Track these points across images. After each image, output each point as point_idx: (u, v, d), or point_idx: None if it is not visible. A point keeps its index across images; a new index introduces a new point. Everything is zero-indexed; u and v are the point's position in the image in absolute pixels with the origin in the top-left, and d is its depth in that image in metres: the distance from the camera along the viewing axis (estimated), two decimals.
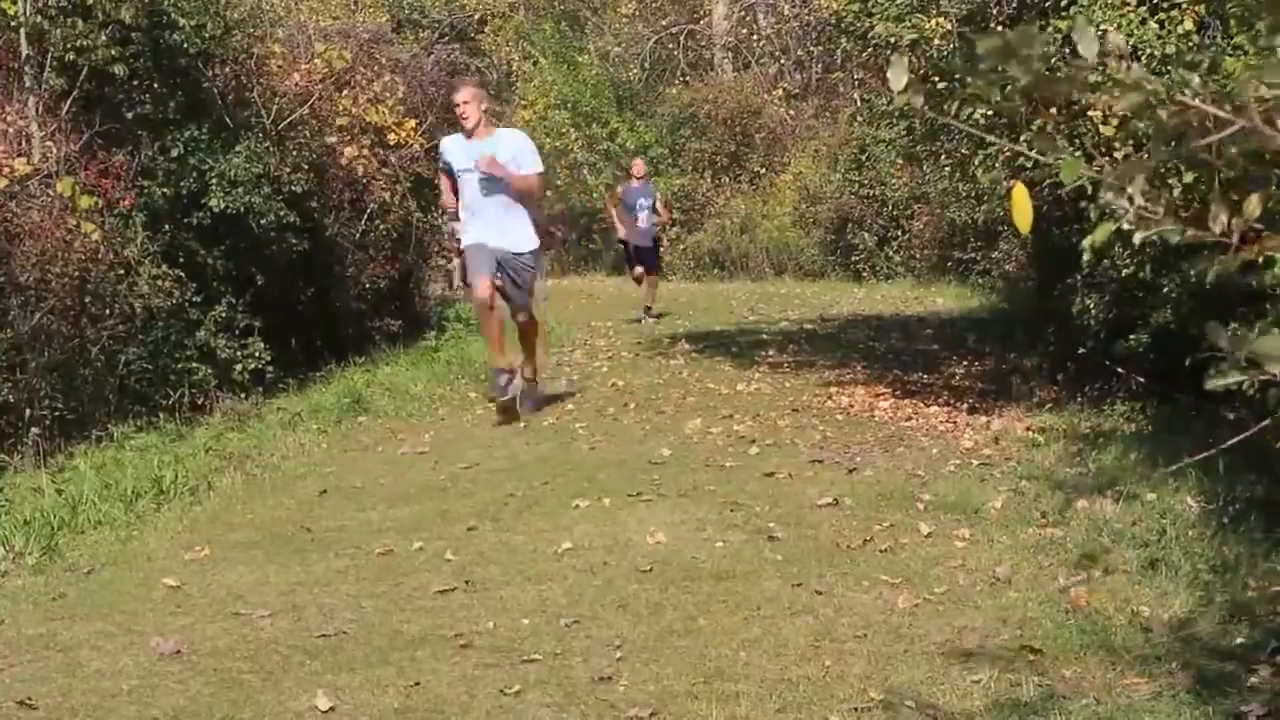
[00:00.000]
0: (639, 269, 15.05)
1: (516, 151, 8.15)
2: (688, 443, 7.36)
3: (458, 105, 8.16)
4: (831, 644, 3.98)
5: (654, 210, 14.84)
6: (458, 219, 8.33)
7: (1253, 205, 1.67)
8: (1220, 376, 1.65)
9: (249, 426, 8.42)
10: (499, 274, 8.05)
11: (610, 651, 3.97)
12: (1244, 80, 1.61)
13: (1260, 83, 1.60)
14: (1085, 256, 1.85)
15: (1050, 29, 7.07)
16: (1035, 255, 11.54)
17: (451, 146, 8.25)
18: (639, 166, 15.55)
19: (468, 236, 8.13)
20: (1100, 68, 1.66)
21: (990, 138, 5.09)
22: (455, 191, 8.29)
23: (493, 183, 8.00)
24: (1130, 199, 1.68)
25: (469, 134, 8.13)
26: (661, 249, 16.37)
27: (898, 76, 1.82)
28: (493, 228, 8.03)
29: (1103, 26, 6.93)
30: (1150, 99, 1.66)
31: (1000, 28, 7.65)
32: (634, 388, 9.56)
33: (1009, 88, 1.76)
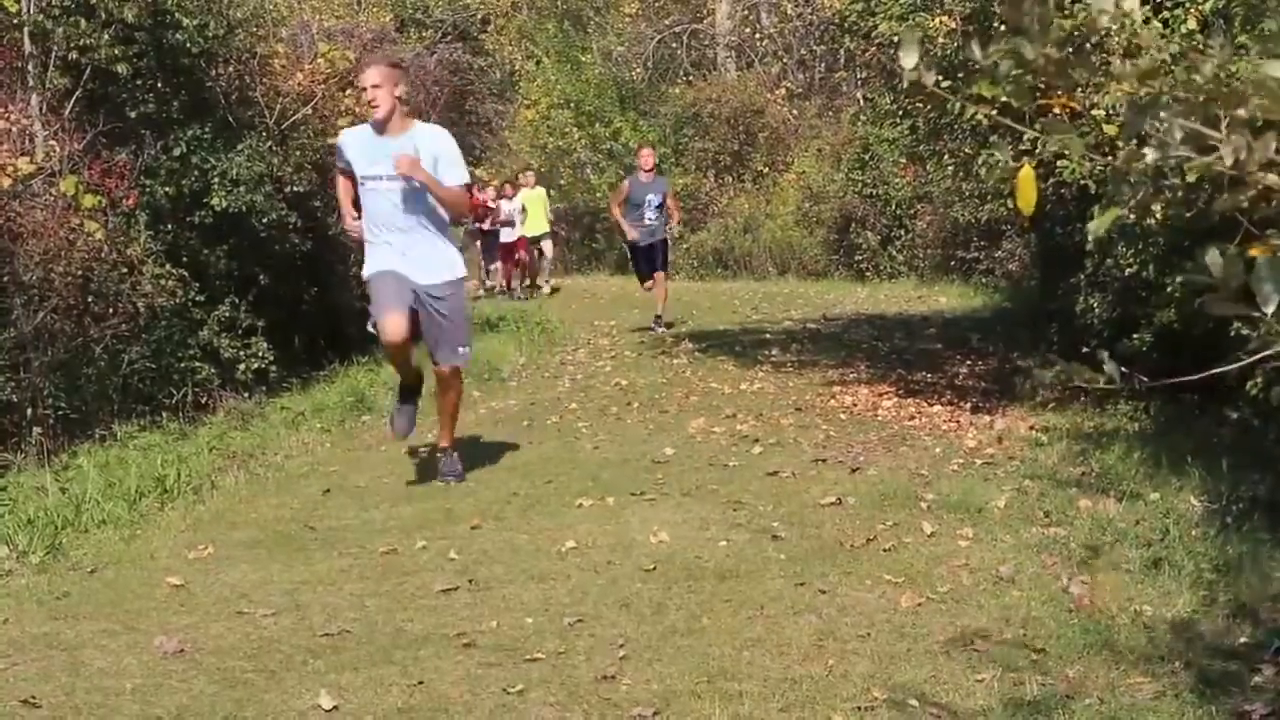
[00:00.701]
0: (649, 281, 13.31)
1: (440, 156, 6.18)
2: (691, 442, 7.36)
3: (364, 89, 6.24)
4: (835, 643, 3.98)
5: (663, 208, 13.02)
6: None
7: (1268, 140, 1.65)
8: (1216, 305, 1.64)
9: (252, 425, 8.43)
10: (416, 307, 6.24)
11: (613, 650, 3.97)
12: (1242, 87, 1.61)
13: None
14: (1090, 236, 1.86)
15: (1054, 26, 7.07)
16: (1038, 254, 11.55)
17: (353, 143, 6.30)
18: (647, 157, 13.35)
19: (372, 265, 6.28)
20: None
21: (1004, 121, 5.09)
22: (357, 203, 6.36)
23: (412, 196, 6.13)
24: (1162, 139, 1.67)
25: (379, 127, 6.20)
26: (669, 247, 15.01)
27: (909, 54, 1.81)
28: (405, 255, 6.18)
29: (1105, 25, 6.93)
30: (1162, 66, 1.65)
31: (1003, 26, 7.65)
32: (637, 387, 9.56)
33: (1016, 74, 1.76)
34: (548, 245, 19.81)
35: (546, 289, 19.67)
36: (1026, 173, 1.86)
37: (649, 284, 13.29)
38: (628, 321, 14.51)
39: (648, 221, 12.93)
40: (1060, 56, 1.67)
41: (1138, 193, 1.73)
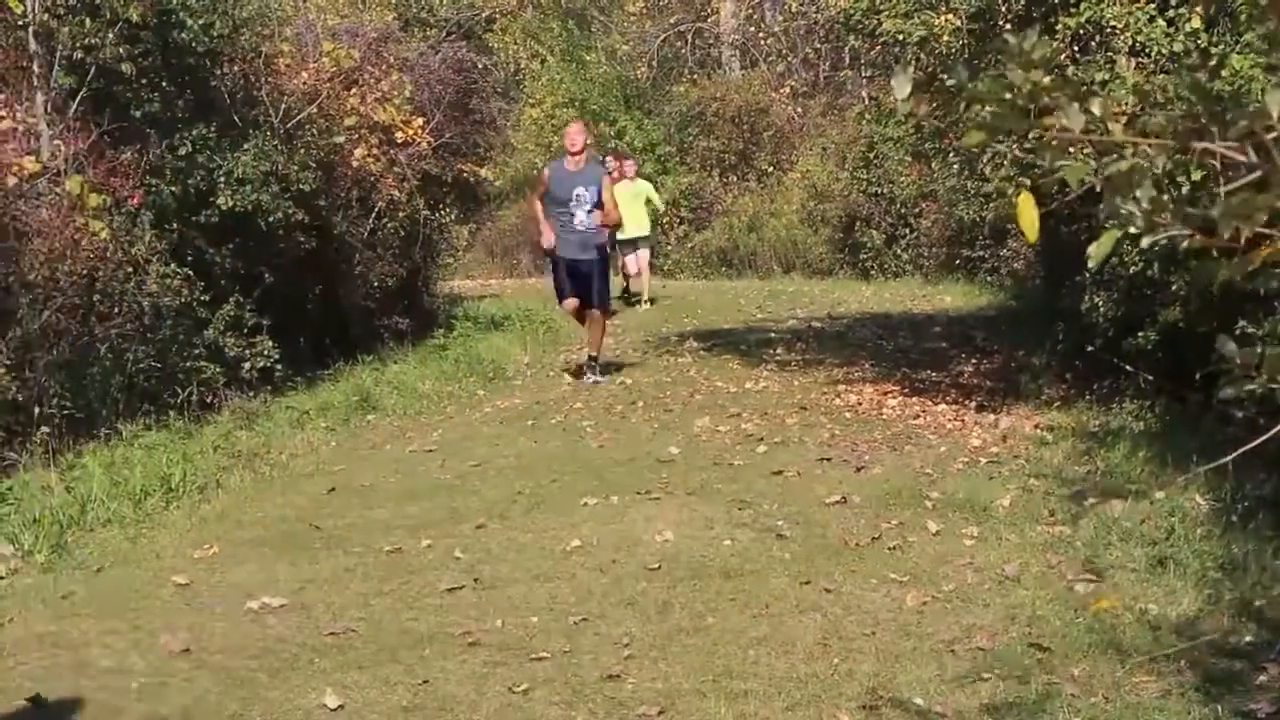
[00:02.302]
0: (571, 300, 9.74)
1: None
2: (696, 441, 7.36)
3: None
4: (840, 642, 3.98)
5: (597, 207, 9.50)
6: None
7: (1260, 214, 1.67)
8: (1232, 385, 1.65)
9: (257, 425, 8.44)
10: None
11: (619, 649, 3.97)
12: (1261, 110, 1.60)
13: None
14: (1091, 264, 1.86)
15: (1060, 26, 7.07)
16: (1043, 253, 11.53)
17: None
18: (575, 134, 9.77)
19: None
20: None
21: (1009, 120, 5.08)
22: None
23: None
24: (1138, 204, 1.68)
25: None
26: (607, 273, 10.24)
27: (901, 86, 1.82)
28: None
29: (1111, 24, 6.92)
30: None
31: (1008, 25, 7.63)
32: (642, 386, 9.56)
33: (1005, 99, 1.76)
34: (644, 253, 15.68)
35: (645, 304, 15.60)
36: (1025, 200, 1.86)
37: (570, 305, 9.83)
38: (631, 320, 14.50)
39: (579, 226, 9.50)
40: (1049, 82, 1.67)
41: (1140, 213, 1.73)
